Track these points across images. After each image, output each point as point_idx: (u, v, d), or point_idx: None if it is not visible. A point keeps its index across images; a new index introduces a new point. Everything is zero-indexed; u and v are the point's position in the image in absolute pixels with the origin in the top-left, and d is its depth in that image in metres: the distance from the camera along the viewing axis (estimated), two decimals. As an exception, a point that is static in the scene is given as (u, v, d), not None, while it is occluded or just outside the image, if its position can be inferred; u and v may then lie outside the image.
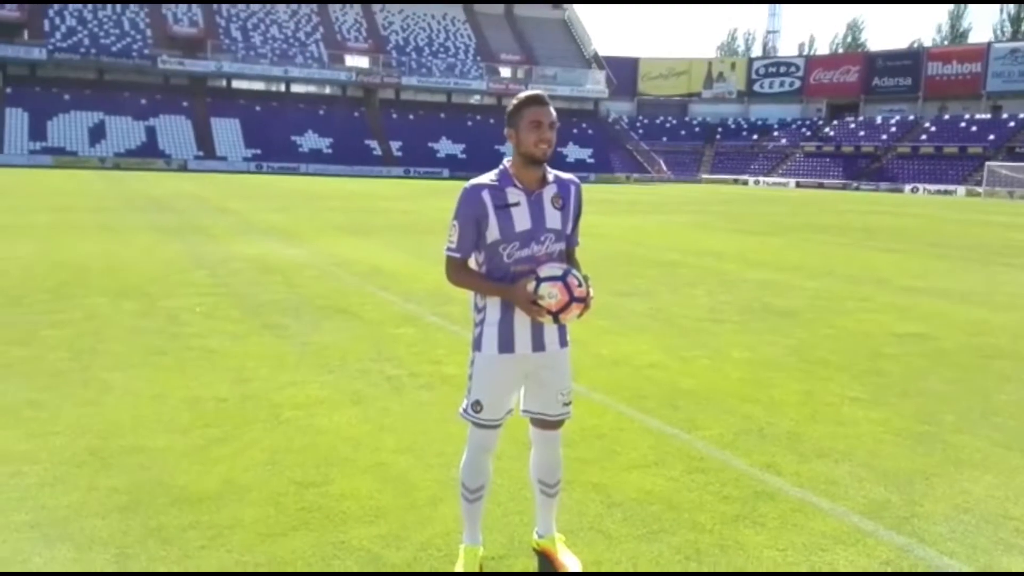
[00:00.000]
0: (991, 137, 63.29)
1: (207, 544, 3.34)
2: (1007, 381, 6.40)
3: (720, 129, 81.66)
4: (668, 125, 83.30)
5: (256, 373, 5.93)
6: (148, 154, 58.48)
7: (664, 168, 72.91)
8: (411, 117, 72.08)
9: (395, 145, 68.11)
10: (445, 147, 69.10)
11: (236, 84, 69.21)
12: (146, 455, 4.28)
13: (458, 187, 3.02)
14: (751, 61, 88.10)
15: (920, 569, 3.32)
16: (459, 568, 3.16)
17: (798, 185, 66.35)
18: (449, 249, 2.98)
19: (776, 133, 78.27)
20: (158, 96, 64.32)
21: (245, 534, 3.43)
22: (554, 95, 73.31)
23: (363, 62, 72.83)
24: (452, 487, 3.41)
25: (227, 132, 64.08)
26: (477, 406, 3.03)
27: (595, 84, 78.57)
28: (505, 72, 76.63)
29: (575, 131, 74.52)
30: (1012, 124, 63.95)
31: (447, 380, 5.79)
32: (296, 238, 15.44)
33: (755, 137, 78.76)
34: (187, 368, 6.02)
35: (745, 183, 69.27)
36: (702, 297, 9.95)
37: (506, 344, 2.97)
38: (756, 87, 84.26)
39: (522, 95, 2.92)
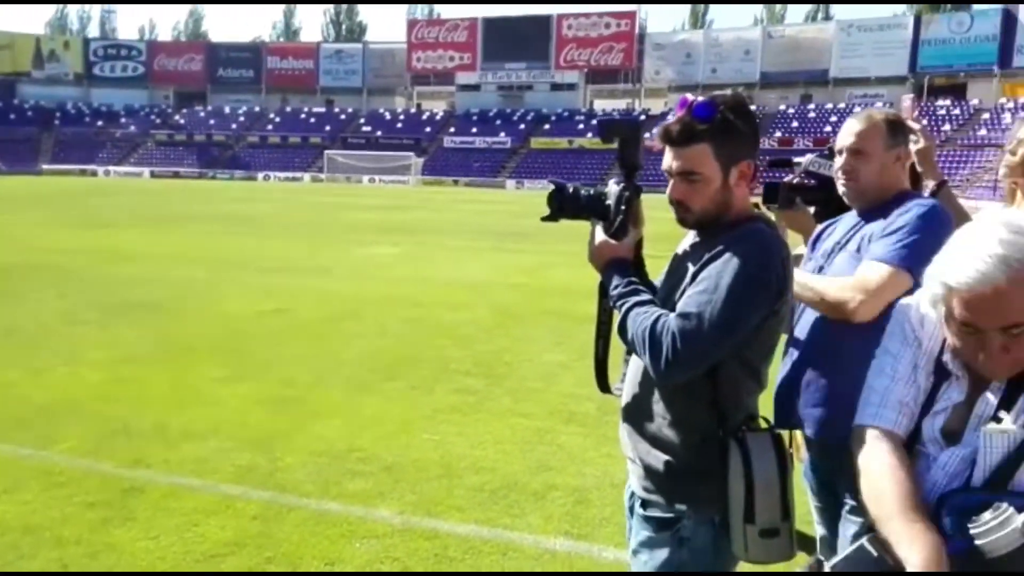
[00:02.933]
0: (328, 128, 70.83)
1: None
2: (353, 338, 7.47)
3: (59, 114, 73.81)
4: (-7, 107, 72.12)
5: None
6: None
7: (-7, 158, 63.15)
8: None
9: None
10: None
11: None
12: None
13: None
14: (88, 41, 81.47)
15: (283, 513, 3.72)
16: None
17: (153, 175, 64.34)
18: None
19: (124, 120, 74.27)
20: None
21: None
22: None
23: None
24: None
25: None
26: None
27: None
28: None
29: None
30: (343, 117, 72.61)
31: None
32: None
33: (100, 123, 73.41)
34: None
35: (95, 174, 64.28)
36: (53, 300, 9.07)
37: None
38: (96, 70, 78.46)
39: None
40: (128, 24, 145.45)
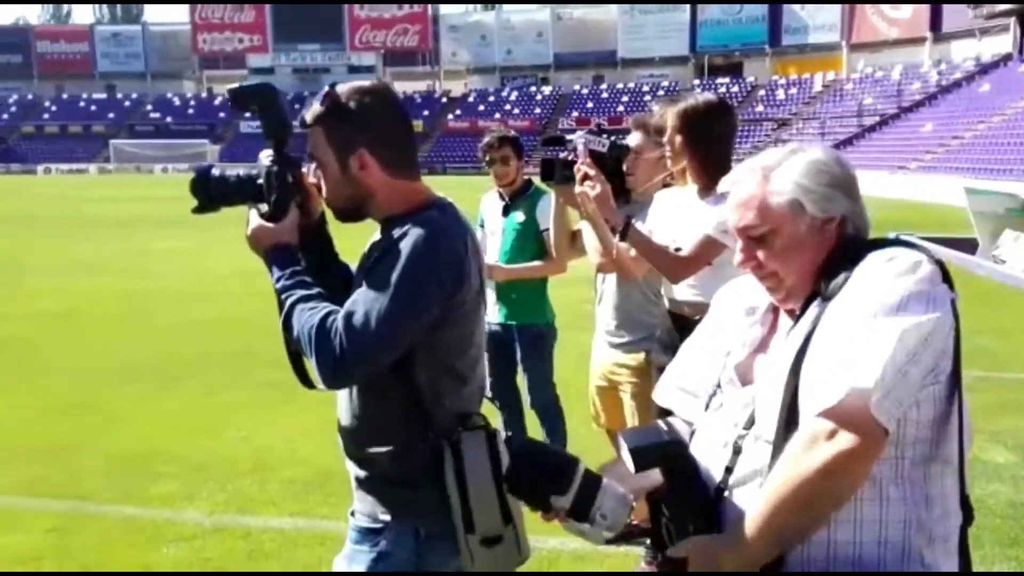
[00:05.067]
0: (111, 116, 65.61)
1: None
2: (145, 337, 7.14)
3: None
4: None
5: None
6: None
7: None
8: None
9: None
10: None
11: None
12: None
13: None
14: None
15: (86, 522, 3.60)
16: None
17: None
18: None
19: None
20: None
21: None
22: None
23: None
24: None
25: None
26: None
27: None
28: None
29: None
30: (128, 103, 67.51)
31: None
32: None
33: None
34: None
35: None
36: None
37: None
38: None
39: None
40: None
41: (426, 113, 60.74)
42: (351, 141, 1.61)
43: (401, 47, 66.06)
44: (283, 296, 1.61)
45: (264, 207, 1.66)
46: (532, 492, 1.36)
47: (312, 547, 3.41)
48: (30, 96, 68.84)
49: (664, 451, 1.31)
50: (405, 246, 1.56)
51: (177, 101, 67.53)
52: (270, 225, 1.65)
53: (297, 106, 63.11)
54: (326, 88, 1.64)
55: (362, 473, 1.69)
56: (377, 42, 65.86)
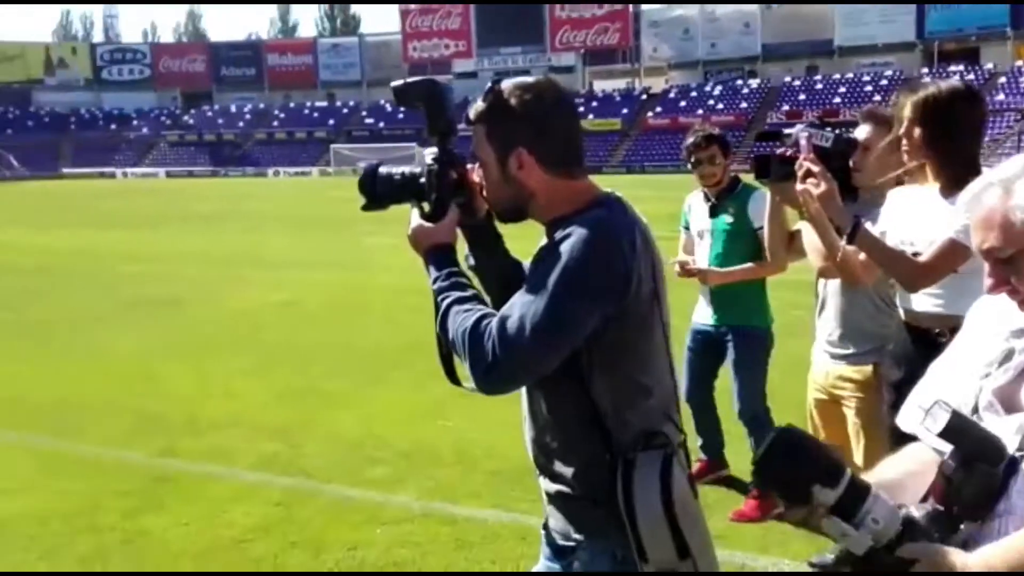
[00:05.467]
0: (331, 122, 70.94)
1: None
2: (361, 328, 7.65)
3: (74, 119, 74.46)
4: (11, 116, 72.80)
5: None
6: None
7: (15, 164, 63.77)
8: None
9: None
10: None
11: None
12: None
13: None
14: (94, 47, 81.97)
15: (305, 499, 3.90)
16: None
17: (168, 175, 64.82)
18: None
19: (136, 122, 74.78)
20: None
21: None
22: None
23: None
24: None
25: None
26: None
27: None
28: None
29: None
30: (345, 110, 72.75)
31: None
32: None
33: (114, 127, 74.01)
34: None
35: (113, 175, 64.86)
36: (79, 298, 9.31)
37: None
38: (105, 74, 78.83)
39: None
40: (131, 27, 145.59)
41: (625, 111, 60.35)
42: (510, 139, 1.54)
43: (601, 45, 66.04)
44: (439, 298, 1.57)
45: (426, 206, 1.62)
46: (791, 478, 1.18)
47: (514, 542, 3.44)
48: (262, 105, 75.94)
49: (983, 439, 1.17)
50: (566, 248, 1.47)
51: (389, 107, 71.84)
52: (429, 225, 1.60)
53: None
54: (489, 84, 1.59)
55: (551, 488, 1.63)
56: (577, 42, 66.29)
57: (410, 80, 1.64)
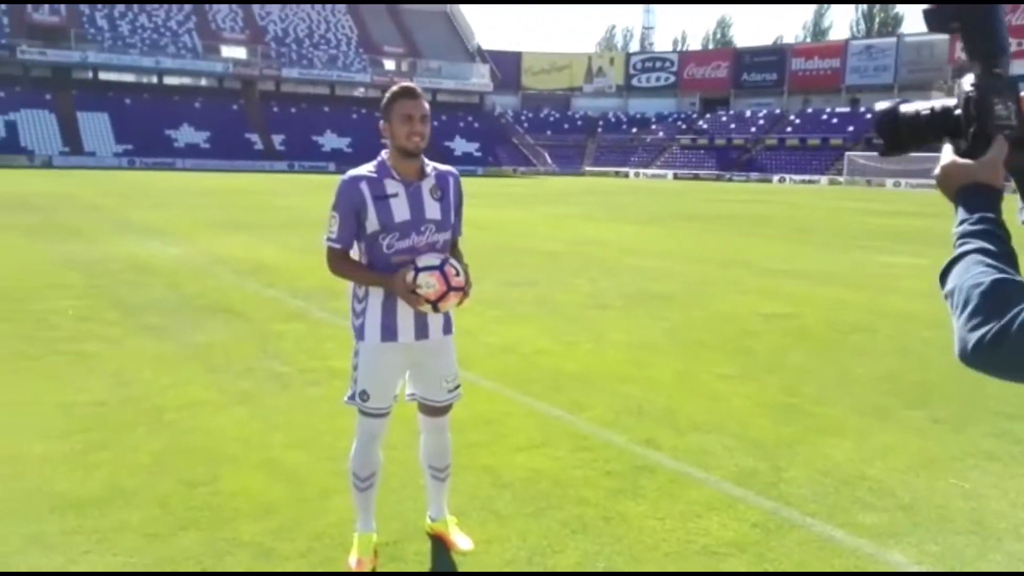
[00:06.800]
0: (850, 129, 67.45)
1: (91, 548, 3.26)
2: (862, 354, 6.95)
3: (601, 122, 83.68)
4: (552, 119, 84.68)
5: (136, 376, 5.74)
6: (9, 150, 54.64)
7: (549, 161, 74.10)
8: (293, 110, 70.30)
9: (277, 139, 66.31)
10: (330, 141, 67.78)
11: (104, 76, 65.64)
12: (20, 463, 4.10)
13: (342, 181, 3.07)
14: (629, 56, 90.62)
15: (785, 528, 3.61)
16: (353, 555, 3.21)
17: (675, 176, 68.83)
18: (329, 239, 3.04)
19: (654, 126, 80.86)
20: (18, 88, 60.31)
21: (132, 536, 3.37)
22: (439, 88, 73.00)
23: (240, 53, 70.45)
24: (343, 479, 3.44)
25: (95, 126, 60.74)
26: (364, 395, 3.09)
27: (480, 78, 78.87)
28: (389, 64, 75.80)
29: (461, 124, 74.61)
30: (869, 116, 67.98)
31: (336, 375, 5.78)
32: (174, 236, 14.87)
33: (634, 130, 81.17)
34: (60, 373, 5.77)
35: (626, 175, 71.28)
36: (584, 284, 10.26)
37: (389, 332, 3.04)
38: (634, 82, 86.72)
39: (394, 88, 2.99)
40: (663, 37, 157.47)
41: None
42: None
43: None
44: (957, 243, 1.31)
45: (961, 142, 1.35)
46: None
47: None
48: (778, 111, 75.49)
49: None
50: None
51: (920, 115, 65.57)
52: (966, 161, 1.34)
53: None
54: None
55: None
56: None
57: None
